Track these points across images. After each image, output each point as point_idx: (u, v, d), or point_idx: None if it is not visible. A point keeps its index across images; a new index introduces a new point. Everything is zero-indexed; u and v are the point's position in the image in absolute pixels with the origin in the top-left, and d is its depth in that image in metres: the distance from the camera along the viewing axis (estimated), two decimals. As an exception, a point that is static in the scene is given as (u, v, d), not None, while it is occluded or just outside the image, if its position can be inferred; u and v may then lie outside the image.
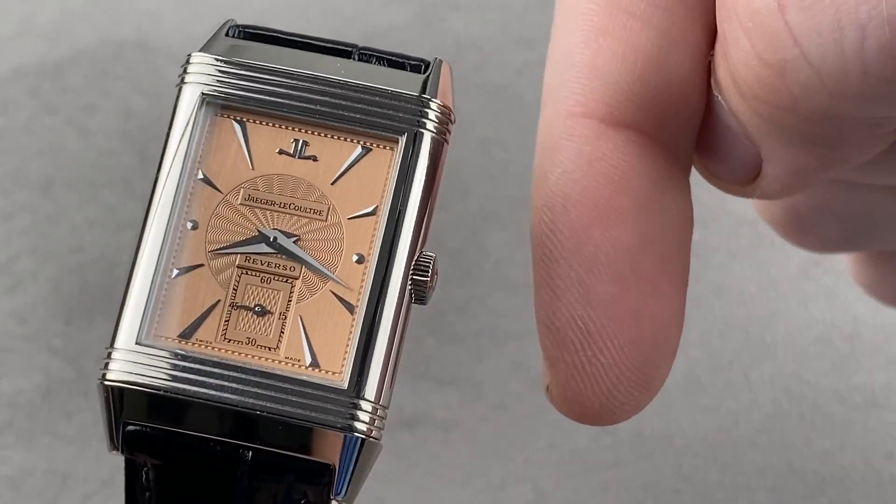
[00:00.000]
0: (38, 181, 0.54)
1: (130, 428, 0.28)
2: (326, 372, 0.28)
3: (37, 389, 0.48)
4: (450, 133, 0.30)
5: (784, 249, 0.54)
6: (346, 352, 0.28)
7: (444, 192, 0.56)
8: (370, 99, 0.29)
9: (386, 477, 0.48)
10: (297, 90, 0.30)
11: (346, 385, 0.27)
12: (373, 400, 0.27)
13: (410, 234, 0.28)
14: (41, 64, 0.58)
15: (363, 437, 0.27)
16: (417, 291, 0.28)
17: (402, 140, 0.29)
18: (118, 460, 0.44)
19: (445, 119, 0.30)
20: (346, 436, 0.27)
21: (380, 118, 0.29)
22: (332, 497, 0.27)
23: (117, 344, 0.28)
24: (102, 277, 0.51)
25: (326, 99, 0.29)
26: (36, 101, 0.57)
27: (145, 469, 0.28)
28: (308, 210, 0.29)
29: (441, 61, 0.31)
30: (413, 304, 0.29)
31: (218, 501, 0.27)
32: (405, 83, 0.30)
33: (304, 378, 0.28)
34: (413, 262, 0.28)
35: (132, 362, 0.28)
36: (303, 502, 0.27)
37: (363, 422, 0.27)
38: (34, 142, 0.56)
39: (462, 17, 0.61)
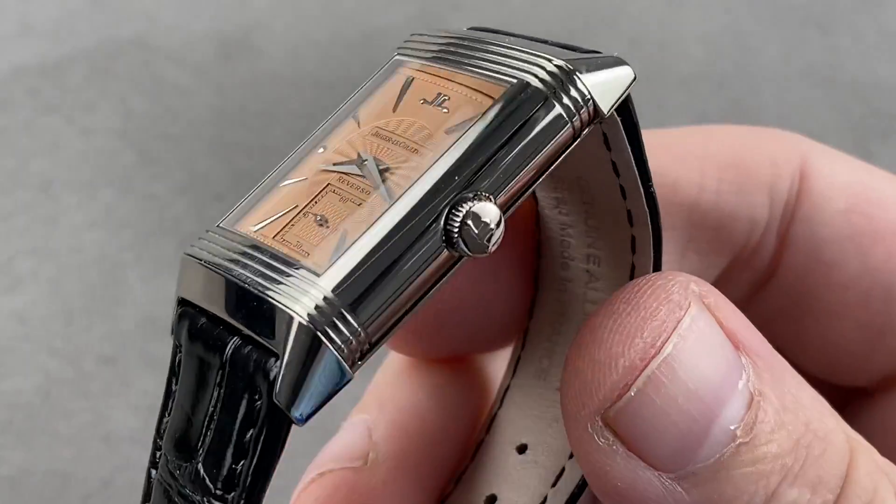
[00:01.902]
0: (38, 181, 0.54)
1: (178, 310, 0.27)
2: (320, 267, 0.27)
3: (36, 389, 0.48)
4: (584, 126, 0.27)
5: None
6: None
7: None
8: (514, 62, 0.29)
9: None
10: (463, 48, 0.29)
11: (323, 278, 0.26)
12: (357, 317, 0.25)
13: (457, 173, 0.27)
14: (41, 64, 0.58)
15: (322, 336, 0.25)
16: (449, 236, 0.27)
17: (526, 101, 0.27)
18: (118, 460, 0.44)
19: (583, 105, 0.27)
20: (301, 323, 0.25)
21: (514, 77, 0.28)
22: (274, 394, 0.26)
23: (211, 228, 0.28)
24: (102, 277, 0.51)
25: (480, 55, 0.29)
26: (36, 101, 0.57)
27: (178, 353, 0.27)
28: (412, 149, 0.28)
29: (619, 59, 0.28)
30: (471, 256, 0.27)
31: (203, 389, 0.26)
32: (567, 57, 0.29)
33: (298, 262, 0.27)
34: (453, 204, 0.27)
35: (205, 241, 0.28)
36: (258, 401, 0.26)
37: (335, 328, 0.25)
38: (34, 141, 0.56)
39: (462, 17, 0.61)
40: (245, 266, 0.27)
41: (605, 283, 0.31)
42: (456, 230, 0.26)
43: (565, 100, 0.28)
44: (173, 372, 0.27)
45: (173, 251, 0.52)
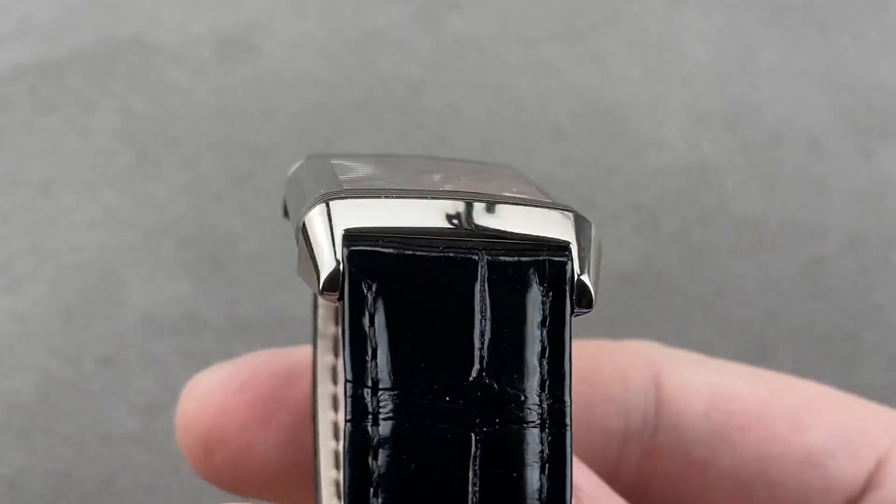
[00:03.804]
0: (37, 181, 0.54)
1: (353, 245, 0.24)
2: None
3: (36, 389, 0.48)
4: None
5: (784, 249, 0.54)
6: None
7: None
8: None
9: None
10: None
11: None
12: None
13: None
14: (40, 63, 0.58)
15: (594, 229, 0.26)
16: None
17: None
18: (117, 461, 0.43)
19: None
20: (578, 215, 0.26)
21: None
22: (577, 274, 0.25)
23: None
24: (102, 277, 0.51)
25: None
26: (35, 101, 0.57)
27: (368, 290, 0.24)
28: None
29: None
30: None
31: (459, 305, 0.24)
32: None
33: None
34: None
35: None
36: (544, 298, 0.25)
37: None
38: (34, 142, 0.56)
39: (462, 16, 0.61)
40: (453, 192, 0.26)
41: None
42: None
43: None
44: (359, 312, 0.24)
45: (173, 251, 0.52)
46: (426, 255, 0.24)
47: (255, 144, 0.56)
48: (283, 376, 0.35)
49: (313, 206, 0.25)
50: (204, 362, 0.35)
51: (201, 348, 0.49)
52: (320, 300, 0.31)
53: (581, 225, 0.26)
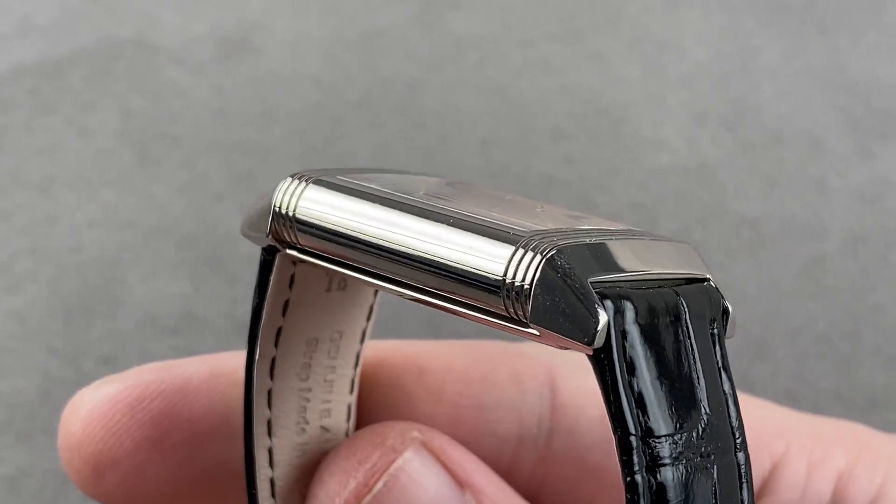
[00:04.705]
0: (37, 181, 0.54)
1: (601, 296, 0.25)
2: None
3: (36, 389, 0.48)
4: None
5: (784, 249, 0.54)
6: None
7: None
8: None
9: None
10: None
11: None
12: None
13: None
14: (41, 63, 0.58)
15: None
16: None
17: None
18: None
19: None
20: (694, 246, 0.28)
21: None
22: (726, 305, 0.27)
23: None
24: (102, 277, 0.51)
25: None
26: (35, 101, 0.57)
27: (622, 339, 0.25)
28: None
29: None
30: None
31: (679, 349, 0.25)
32: None
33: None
34: None
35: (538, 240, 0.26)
36: (714, 329, 0.26)
37: None
38: (34, 141, 0.56)
39: (462, 17, 0.61)
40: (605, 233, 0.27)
41: (336, 433, 0.33)
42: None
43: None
44: (621, 362, 0.25)
45: (173, 251, 0.52)
46: (656, 301, 0.25)
47: (255, 144, 0.56)
48: (176, 393, 0.34)
49: (547, 249, 0.25)
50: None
51: (201, 348, 0.49)
52: (267, 318, 0.31)
53: (703, 256, 0.27)
